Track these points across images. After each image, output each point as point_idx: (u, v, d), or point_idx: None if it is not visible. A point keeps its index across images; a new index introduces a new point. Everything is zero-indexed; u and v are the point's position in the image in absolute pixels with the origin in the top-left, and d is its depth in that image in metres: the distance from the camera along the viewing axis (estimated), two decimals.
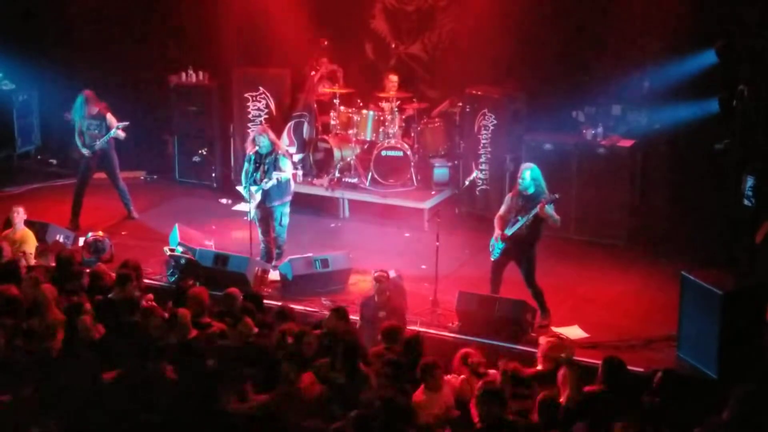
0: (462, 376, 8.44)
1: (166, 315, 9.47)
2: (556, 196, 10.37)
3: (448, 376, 8.40)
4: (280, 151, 12.01)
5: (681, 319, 10.00)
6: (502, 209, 10.69)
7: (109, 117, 13.38)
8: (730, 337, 9.41)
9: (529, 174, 10.42)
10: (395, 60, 15.31)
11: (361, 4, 15.40)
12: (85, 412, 7.92)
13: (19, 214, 11.86)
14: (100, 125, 13.34)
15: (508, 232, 10.50)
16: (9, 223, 12.29)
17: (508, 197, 10.76)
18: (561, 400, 7.88)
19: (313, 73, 14.57)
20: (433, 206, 13.55)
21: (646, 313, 10.94)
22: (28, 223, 12.14)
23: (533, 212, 10.29)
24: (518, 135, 13.49)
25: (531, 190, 10.42)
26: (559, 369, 8.15)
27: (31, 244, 11.73)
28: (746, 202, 11.49)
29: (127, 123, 13.43)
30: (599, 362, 8.41)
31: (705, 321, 9.62)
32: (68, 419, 7.91)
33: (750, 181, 11.45)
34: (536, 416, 7.77)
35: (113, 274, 10.39)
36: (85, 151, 13.41)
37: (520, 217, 10.41)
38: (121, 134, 13.40)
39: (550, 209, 10.30)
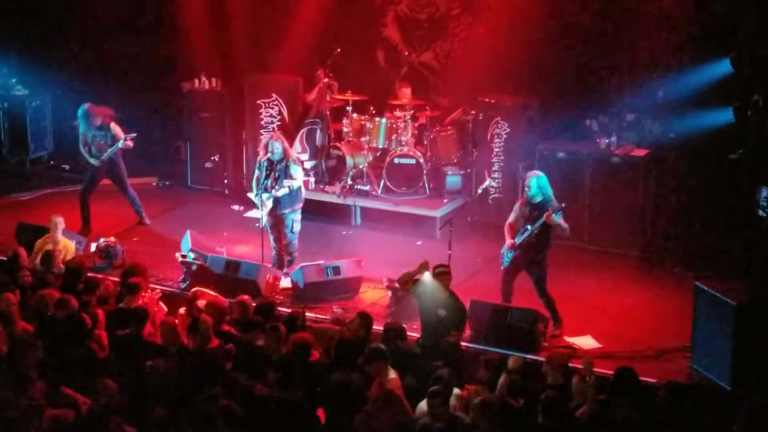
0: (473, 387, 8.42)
1: (176, 321, 9.48)
2: (563, 205, 10.37)
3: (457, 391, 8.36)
4: (291, 159, 11.98)
5: (694, 329, 9.96)
6: (511, 217, 10.70)
7: (113, 126, 13.33)
8: (743, 348, 9.38)
9: (535, 182, 10.42)
10: (407, 68, 15.30)
11: (374, 11, 15.40)
12: None
13: (59, 225, 11.80)
14: (105, 135, 13.30)
15: (517, 240, 10.50)
16: (21, 230, 12.35)
17: (516, 205, 10.78)
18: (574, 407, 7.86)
19: (325, 80, 14.56)
20: (445, 214, 13.50)
21: (660, 324, 10.89)
22: (42, 229, 12.14)
23: (540, 222, 10.28)
24: (531, 143, 13.46)
25: (538, 199, 10.41)
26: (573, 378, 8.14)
27: (71, 254, 11.72)
28: (761, 212, 11.43)
29: (134, 134, 13.38)
30: (612, 373, 8.37)
31: (719, 332, 9.58)
32: None
33: (765, 192, 11.39)
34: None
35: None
36: (93, 161, 13.36)
37: (528, 226, 10.41)
38: (130, 144, 13.36)
39: (557, 218, 10.29)
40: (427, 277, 9.77)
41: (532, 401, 7.99)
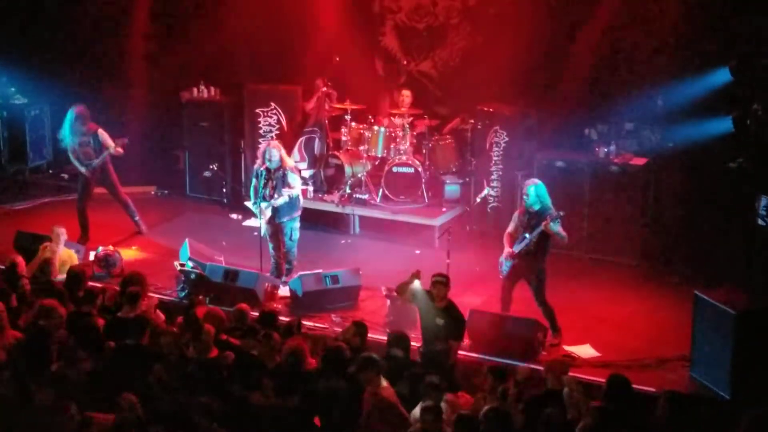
0: (478, 395, 8.39)
1: (175, 329, 9.45)
2: (561, 213, 10.36)
3: (450, 396, 8.32)
4: (288, 167, 11.96)
5: (694, 338, 9.94)
6: (511, 226, 10.69)
7: (101, 132, 13.25)
8: (743, 357, 9.35)
9: (533, 190, 10.42)
10: (406, 77, 15.31)
11: (372, 21, 15.43)
12: None
13: (61, 236, 11.70)
14: (90, 141, 13.20)
15: (515, 249, 10.51)
16: (20, 238, 12.33)
17: (515, 214, 10.75)
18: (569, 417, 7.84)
19: (324, 89, 14.57)
20: (443, 223, 13.50)
21: (659, 333, 10.87)
22: (40, 237, 12.13)
23: (538, 230, 10.28)
24: (530, 152, 13.47)
25: (536, 207, 10.41)
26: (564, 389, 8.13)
27: (76, 262, 11.66)
28: (760, 221, 11.43)
29: (125, 139, 13.32)
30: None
31: (718, 341, 9.56)
32: None
33: (764, 201, 11.40)
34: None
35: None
36: (83, 170, 13.31)
37: (526, 235, 10.40)
38: (120, 150, 13.27)
39: (555, 226, 10.28)
40: (416, 284, 9.76)
41: (530, 409, 7.96)
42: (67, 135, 13.33)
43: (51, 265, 11.23)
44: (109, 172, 13.48)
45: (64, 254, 11.67)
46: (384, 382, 8.23)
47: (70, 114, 13.30)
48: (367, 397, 8.07)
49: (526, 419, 7.86)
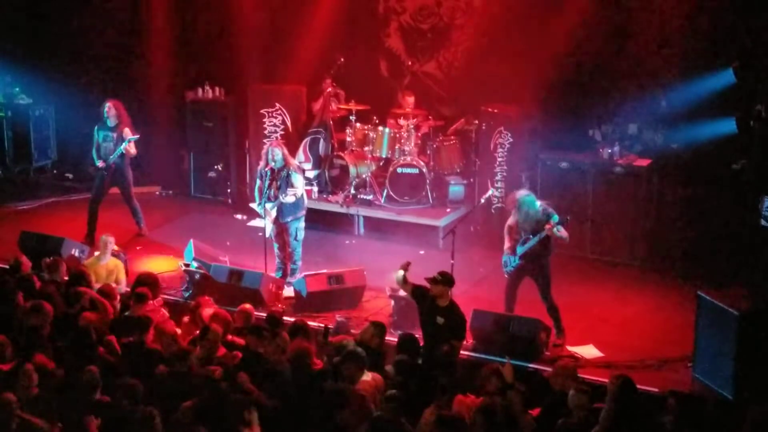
0: (481, 398, 8.39)
1: (179, 330, 9.49)
2: (567, 218, 10.36)
3: (461, 396, 8.34)
4: (291, 167, 11.99)
5: (697, 339, 9.95)
6: (511, 219, 10.69)
7: (126, 132, 13.34)
8: (746, 357, 9.37)
9: (528, 199, 10.42)
10: (410, 78, 15.33)
11: (377, 22, 15.45)
12: None
13: (109, 244, 11.59)
14: (116, 139, 13.29)
15: (519, 251, 10.53)
16: (24, 238, 12.35)
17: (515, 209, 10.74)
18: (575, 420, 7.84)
19: (329, 89, 14.59)
20: (448, 224, 13.51)
21: (662, 333, 10.89)
22: (45, 238, 12.16)
23: (541, 235, 10.33)
24: (534, 153, 13.49)
25: (536, 209, 10.39)
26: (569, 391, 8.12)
27: (122, 272, 11.62)
28: (763, 222, 11.46)
29: (136, 137, 13.32)
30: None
31: (721, 341, 9.57)
32: None
33: (767, 201, 11.41)
34: None
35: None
36: (99, 163, 13.37)
37: (530, 236, 10.43)
38: (132, 150, 13.31)
39: (558, 231, 10.29)
40: (398, 274, 9.78)
41: (543, 419, 7.98)
42: (96, 128, 13.41)
43: (60, 264, 11.11)
44: (125, 173, 13.51)
45: (111, 263, 11.52)
46: (366, 376, 8.27)
47: (104, 107, 13.36)
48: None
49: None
